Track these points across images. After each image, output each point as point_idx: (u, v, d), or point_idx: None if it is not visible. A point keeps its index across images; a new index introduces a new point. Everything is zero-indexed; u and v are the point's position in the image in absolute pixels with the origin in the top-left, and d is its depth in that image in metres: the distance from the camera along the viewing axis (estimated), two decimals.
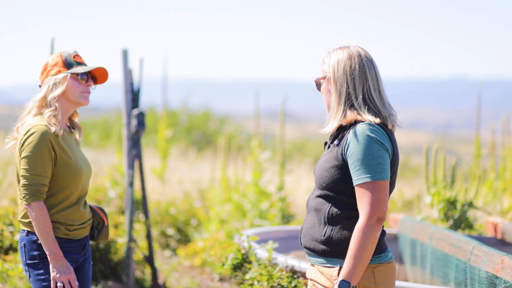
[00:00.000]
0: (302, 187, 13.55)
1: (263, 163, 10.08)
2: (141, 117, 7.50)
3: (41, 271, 4.19)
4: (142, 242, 8.60)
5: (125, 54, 7.49)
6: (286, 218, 9.78)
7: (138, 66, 8.04)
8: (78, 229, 4.30)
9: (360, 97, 3.64)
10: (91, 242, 6.27)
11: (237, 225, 9.67)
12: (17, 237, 7.16)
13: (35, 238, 4.18)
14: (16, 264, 6.98)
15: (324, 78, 3.74)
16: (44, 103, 4.27)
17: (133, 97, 7.56)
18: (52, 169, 4.17)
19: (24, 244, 4.22)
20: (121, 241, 7.63)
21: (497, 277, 4.96)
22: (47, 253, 4.14)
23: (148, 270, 8.11)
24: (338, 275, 3.58)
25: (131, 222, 7.55)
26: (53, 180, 4.19)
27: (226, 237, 9.03)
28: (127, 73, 7.51)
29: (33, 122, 4.20)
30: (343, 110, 3.64)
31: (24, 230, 4.23)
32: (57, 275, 4.13)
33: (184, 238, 9.73)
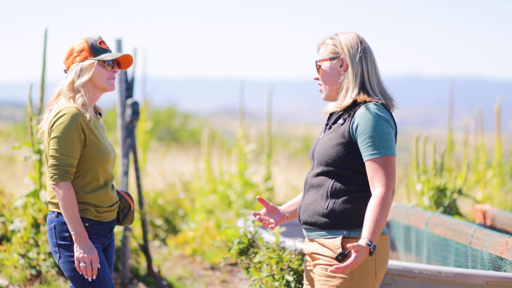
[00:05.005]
0: (279, 180, 13.71)
1: (247, 154, 10.19)
2: (135, 107, 7.50)
3: (73, 253, 4.20)
4: (135, 232, 8.63)
5: (119, 43, 7.49)
6: None
7: (132, 56, 8.03)
8: (107, 212, 4.34)
9: (373, 78, 3.85)
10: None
11: (222, 216, 9.76)
12: (11, 227, 7.14)
13: None
14: (10, 254, 6.96)
15: (332, 59, 3.88)
16: (72, 88, 4.29)
17: (127, 86, 7.56)
18: (80, 151, 4.21)
19: (54, 225, 4.23)
20: (116, 229, 7.65)
21: (502, 259, 5.11)
22: (72, 233, 4.14)
23: (142, 259, 8.14)
24: (342, 244, 3.73)
25: None
26: (81, 162, 4.23)
27: (216, 226, 9.11)
28: None
29: (62, 105, 4.24)
30: (358, 89, 3.82)
31: (54, 212, 4.25)
32: (81, 255, 4.15)
33: (172, 229, 9.78)
